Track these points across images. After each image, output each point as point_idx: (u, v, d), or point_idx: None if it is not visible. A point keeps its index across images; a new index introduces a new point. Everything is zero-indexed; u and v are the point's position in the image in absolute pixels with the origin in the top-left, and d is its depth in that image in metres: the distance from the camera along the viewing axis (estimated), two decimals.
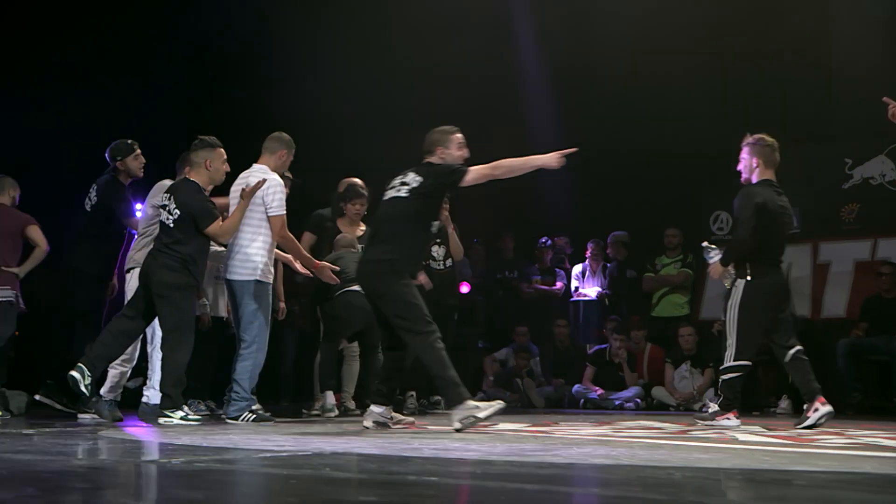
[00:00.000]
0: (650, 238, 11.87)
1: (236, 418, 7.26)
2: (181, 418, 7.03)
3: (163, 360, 7.21)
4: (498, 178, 6.46)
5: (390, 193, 6.53)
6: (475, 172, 6.39)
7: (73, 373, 6.96)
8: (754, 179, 7.27)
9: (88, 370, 6.98)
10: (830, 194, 10.99)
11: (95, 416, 7.59)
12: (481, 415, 6.05)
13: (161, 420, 7.09)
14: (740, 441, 5.67)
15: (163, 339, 7.25)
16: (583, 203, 12.26)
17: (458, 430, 6.00)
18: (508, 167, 6.42)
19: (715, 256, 7.24)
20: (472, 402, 6.12)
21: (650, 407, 10.71)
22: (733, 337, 7.02)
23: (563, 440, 5.68)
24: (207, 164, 7.32)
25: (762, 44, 11.53)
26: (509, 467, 4.17)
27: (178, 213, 7.18)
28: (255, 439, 5.56)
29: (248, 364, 7.33)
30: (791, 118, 11.15)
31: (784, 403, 9.94)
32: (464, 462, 4.37)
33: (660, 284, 11.61)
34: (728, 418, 7.04)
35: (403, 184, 6.48)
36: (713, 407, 7.38)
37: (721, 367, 7.20)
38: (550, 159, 6.36)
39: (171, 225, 7.18)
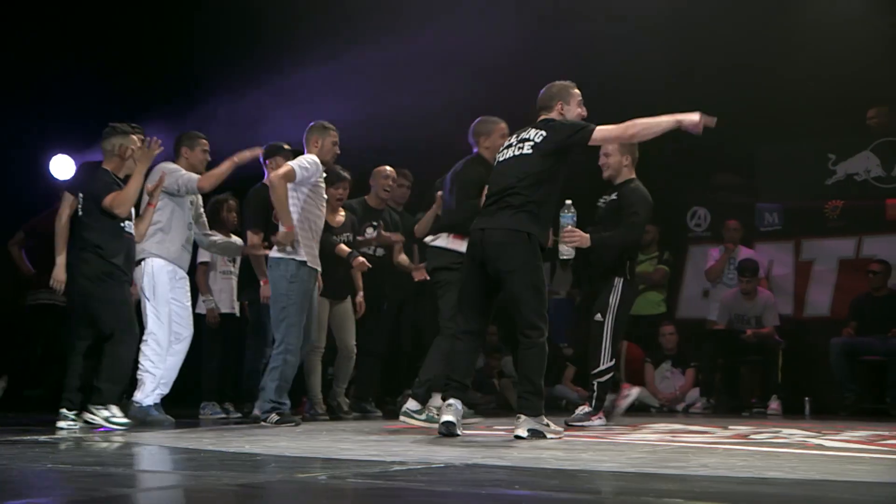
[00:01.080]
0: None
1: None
2: (105, 418, 6.60)
3: (104, 354, 6.77)
4: (630, 139, 6.07)
5: (509, 153, 5.97)
6: (605, 131, 5.81)
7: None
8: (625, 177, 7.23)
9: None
10: (814, 191, 10.78)
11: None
12: (548, 435, 5.70)
13: (86, 416, 6.67)
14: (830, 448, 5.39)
15: (109, 336, 6.80)
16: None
17: (518, 437, 5.63)
18: (644, 126, 5.78)
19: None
20: (544, 419, 5.79)
21: (631, 408, 10.38)
22: (608, 338, 6.95)
23: (683, 448, 5.30)
24: (121, 152, 6.93)
25: (743, 39, 11.37)
26: (705, 483, 3.75)
27: (82, 199, 6.85)
28: (329, 446, 5.31)
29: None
30: (773, 114, 11.04)
31: (774, 404, 9.69)
32: (646, 477, 3.98)
33: (637, 282, 11.30)
34: (599, 418, 7.04)
35: (524, 140, 5.92)
36: (586, 409, 7.13)
37: (596, 371, 7.03)
38: (691, 119, 5.72)
39: (81, 213, 6.86)
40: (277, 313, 6.96)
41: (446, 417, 5.75)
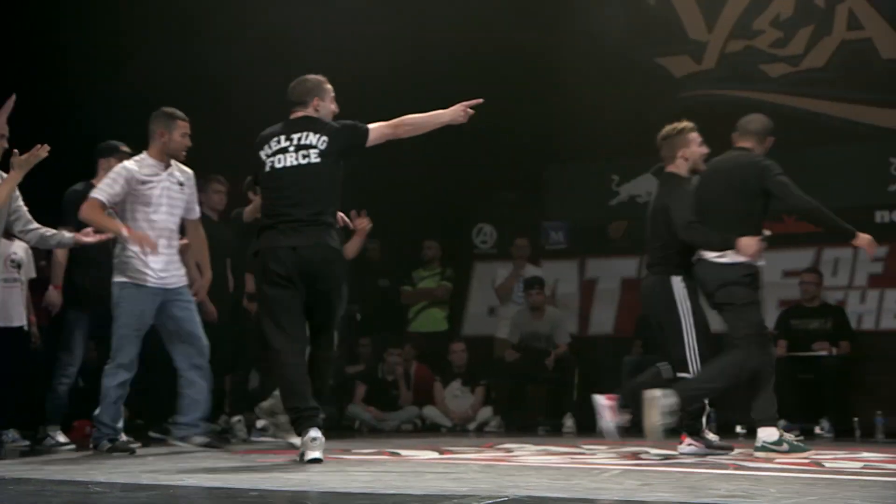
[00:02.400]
0: (409, 250, 11.46)
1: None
2: None
3: None
4: (401, 136, 5.75)
5: (289, 159, 5.61)
6: (377, 131, 5.65)
7: None
8: None
9: None
10: (598, 211, 11.01)
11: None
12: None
13: None
14: None
15: None
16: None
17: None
18: (413, 124, 5.73)
19: None
20: None
21: (422, 428, 10.25)
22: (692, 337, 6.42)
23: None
24: None
25: (530, 59, 11.58)
26: None
27: None
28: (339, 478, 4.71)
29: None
30: (559, 133, 11.25)
31: (570, 421, 9.77)
32: None
33: (419, 298, 11.21)
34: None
35: (304, 146, 5.60)
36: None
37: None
38: (456, 113, 5.72)
39: None
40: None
41: (315, 454, 5.32)
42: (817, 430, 9.11)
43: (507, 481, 4.54)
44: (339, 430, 10.01)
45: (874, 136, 11.06)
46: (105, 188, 6.37)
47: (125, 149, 7.08)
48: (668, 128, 6.85)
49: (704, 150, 6.74)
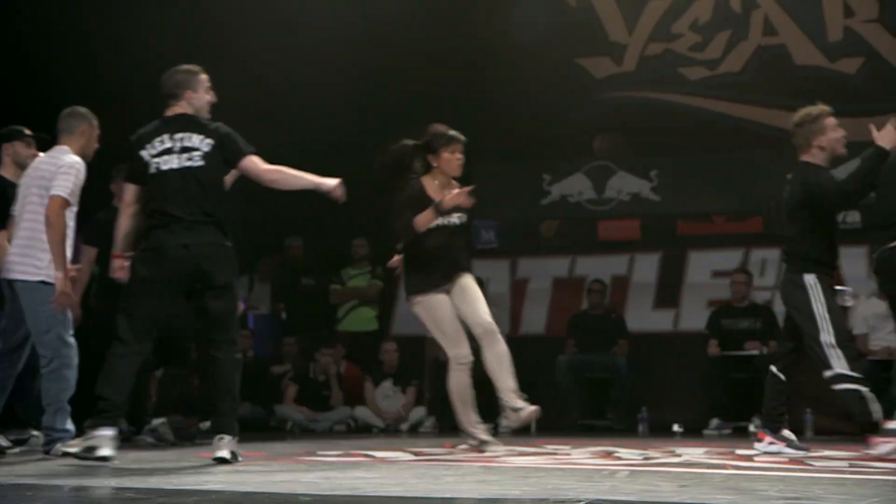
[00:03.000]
0: (336, 248, 11.30)
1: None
2: None
3: None
4: (266, 183, 5.64)
5: (174, 161, 5.51)
6: (250, 162, 5.59)
7: None
8: None
9: None
10: (529, 210, 11.02)
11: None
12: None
13: None
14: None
15: None
16: (263, 211, 11.40)
17: (221, 460, 5.35)
18: (282, 178, 5.63)
19: (850, 300, 6.61)
20: None
21: (355, 429, 10.11)
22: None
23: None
24: None
25: (452, 55, 11.56)
26: None
27: None
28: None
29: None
30: (489, 132, 11.18)
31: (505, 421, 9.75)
32: None
33: (349, 297, 11.06)
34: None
35: (188, 149, 5.52)
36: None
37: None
38: (331, 183, 5.65)
39: None
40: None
41: (106, 451, 5.22)
42: (751, 427, 9.27)
43: (548, 483, 4.45)
44: (269, 430, 9.86)
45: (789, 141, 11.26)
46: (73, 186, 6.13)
47: (28, 132, 6.78)
48: (801, 113, 6.46)
49: (841, 134, 6.34)
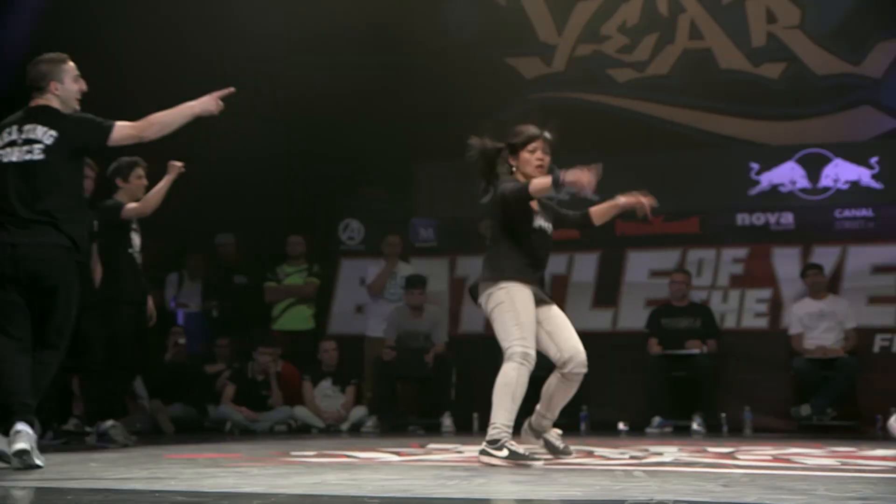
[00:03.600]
0: (270, 245, 11.13)
1: None
2: None
3: None
4: (150, 138, 5.42)
5: (15, 154, 5.31)
6: (121, 130, 5.35)
7: None
8: None
9: None
10: (469, 208, 10.96)
11: None
12: None
13: None
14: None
15: None
16: (193, 208, 11.17)
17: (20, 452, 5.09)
18: (160, 123, 5.40)
19: None
20: None
21: (296, 429, 9.96)
22: None
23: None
24: None
25: (388, 53, 11.52)
26: None
27: None
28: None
29: None
30: (428, 129, 11.23)
31: (448, 421, 9.76)
32: None
33: (285, 295, 10.90)
34: None
35: (30, 141, 5.30)
36: None
37: None
38: (206, 104, 5.45)
39: None
40: None
41: (21, 445, 5.01)
42: (695, 426, 9.43)
43: (595, 484, 4.45)
44: (205, 431, 9.68)
45: (718, 144, 11.49)
46: None
47: None
48: None
49: None
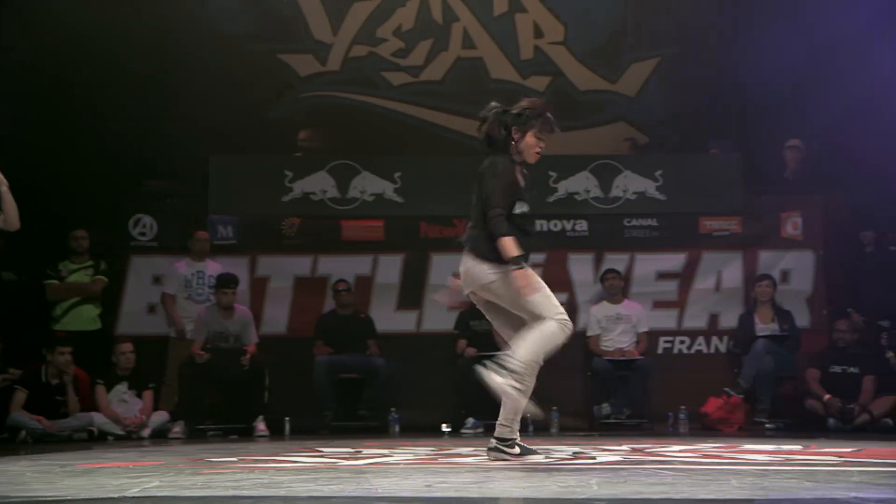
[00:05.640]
0: (46, 239, 10.23)
1: None
2: None
3: None
4: None
5: None
6: None
7: None
8: None
9: None
10: (270, 207, 10.63)
11: None
12: None
13: None
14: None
15: None
16: None
17: None
18: None
19: None
20: None
21: (98, 436, 9.25)
22: None
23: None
24: None
25: (167, 45, 11.11)
26: None
27: None
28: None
29: None
30: (227, 126, 10.92)
31: (261, 425, 9.44)
32: None
33: (69, 293, 10.06)
34: None
35: None
36: None
37: None
38: None
39: None
40: None
41: None
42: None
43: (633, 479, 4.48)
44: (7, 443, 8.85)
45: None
46: None
47: None
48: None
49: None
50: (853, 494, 3.83)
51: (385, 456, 6.23)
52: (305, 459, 6.03)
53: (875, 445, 7.34)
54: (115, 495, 4.02)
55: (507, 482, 4.61)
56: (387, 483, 4.52)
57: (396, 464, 5.70)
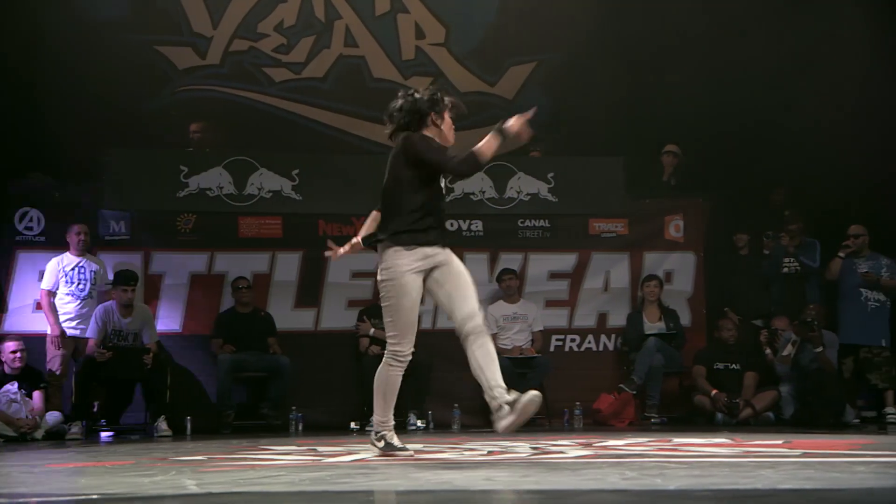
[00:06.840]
0: None
1: None
2: None
3: None
4: None
5: None
6: None
7: None
8: None
9: None
10: (165, 202, 10.30)
11: None
12: None
13: None
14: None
15: None
16: None
17: None
18: None
19: None
20: None
21: None
22: None
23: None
24: None
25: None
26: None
27: None
28: None
29: None
30: (119, 119, 10.73)
31: (163, 425, 9.19)
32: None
33: None
34: None
35: None
36: None
37: None
38: None
39: None
40: None
41: None
42: (419, 423, 9.67)
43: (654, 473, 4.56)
44: None
45: (371, 150, 11.76)
46: None
47: None
48: None
49: None
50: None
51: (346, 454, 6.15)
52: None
53: (800, 437, 7.57)
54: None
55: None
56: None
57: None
